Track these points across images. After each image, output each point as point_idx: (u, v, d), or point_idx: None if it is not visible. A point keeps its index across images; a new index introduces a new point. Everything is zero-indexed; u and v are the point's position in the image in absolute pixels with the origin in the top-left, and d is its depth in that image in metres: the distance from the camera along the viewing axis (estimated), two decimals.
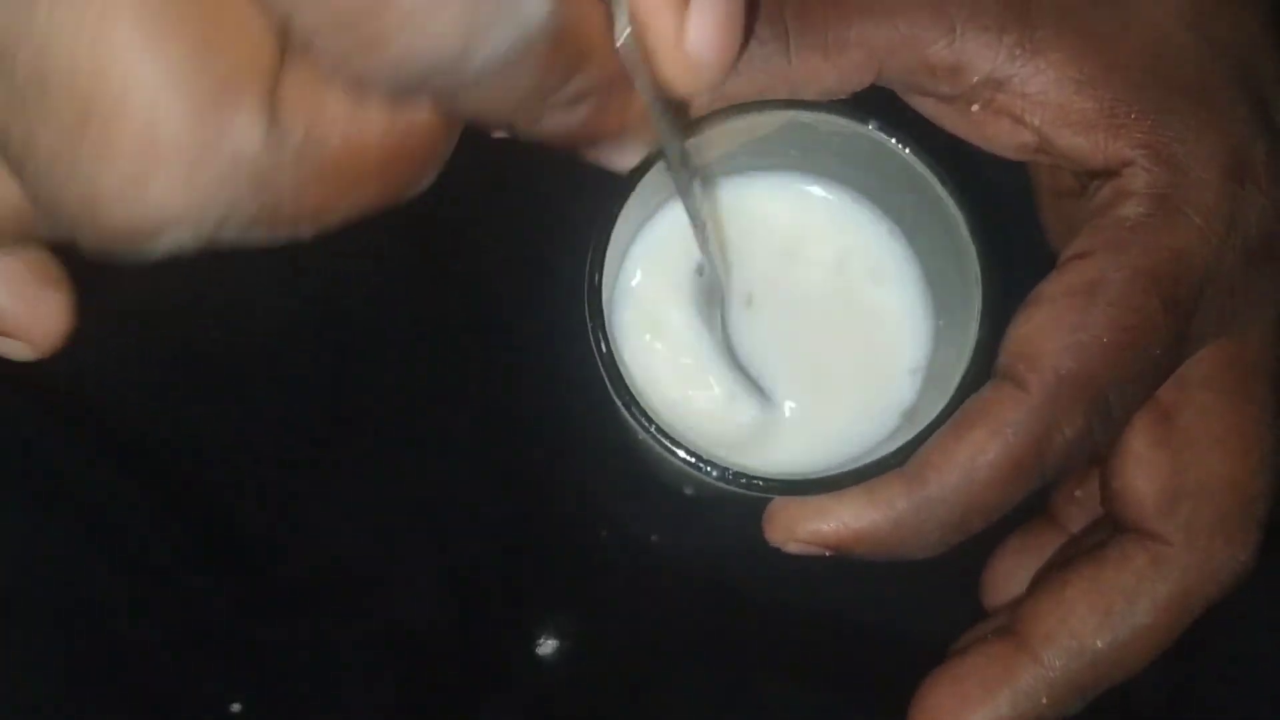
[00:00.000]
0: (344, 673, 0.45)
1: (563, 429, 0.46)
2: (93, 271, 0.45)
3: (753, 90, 0.31)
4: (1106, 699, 0.45)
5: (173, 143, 0.17)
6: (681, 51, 0.23)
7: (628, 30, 0.21)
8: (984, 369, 0.30)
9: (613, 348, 0.31)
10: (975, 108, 0.31)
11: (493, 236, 0.44)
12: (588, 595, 0.46)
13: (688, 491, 0.39)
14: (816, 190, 0.34)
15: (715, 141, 0.32)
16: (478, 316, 0.46)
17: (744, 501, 0.31)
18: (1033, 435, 0.29)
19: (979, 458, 0.29)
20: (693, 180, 0.29)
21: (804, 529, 0.31)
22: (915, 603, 0.42)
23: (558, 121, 0.21)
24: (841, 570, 0.42)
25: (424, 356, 0.46)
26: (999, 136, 0.32)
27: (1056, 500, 0.37)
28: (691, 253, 0.33)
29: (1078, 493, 0.36)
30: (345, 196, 0.20)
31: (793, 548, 0.32)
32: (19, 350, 0.26)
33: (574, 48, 0.20)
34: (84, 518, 0.43)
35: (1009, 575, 0.36)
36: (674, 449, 0.30)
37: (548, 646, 0.45)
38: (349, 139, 0.19)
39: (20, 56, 0.17)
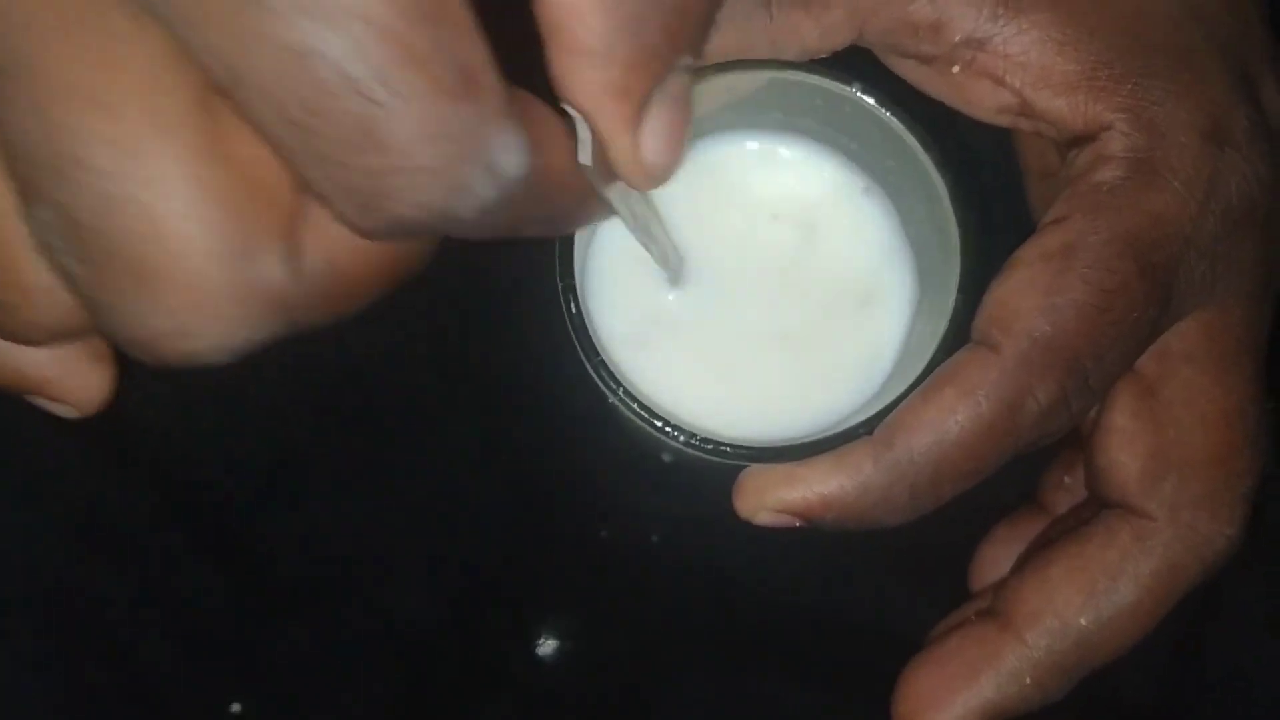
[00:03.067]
0: (344, 673, 0.45)
1: (563, 429, 0.46)
2: None
3: (734, 47, 0.31)
4: (1106, 699, 0.45)
5: (214, 291, 0.20)
6: (638, 161, 0.24)
7: (589, 149, 0.24)
8: (961, 339, 0.30)
9: (583, 309, 0.30)
10: (956, 69, 0.31)
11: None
12: (588, 595, 0.46)
13: (665, 458, 0.38)
14: (797, 154, 0.34)
15: (696, 101, 0.30)
16: (478, 316, 0.46)
17: (720, 472, 0.31)
18: (1005, 398, 0.29)
19: (949, 419, 0.29)
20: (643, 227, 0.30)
21: (772, 497, 0.30)
22: (916, 603, 0.42)
23: (533, 230, 0.24)
24: (842, 570, 0.42)
25: (424, 356, 0.46)
26: (980, 98, 0.32)
27: (1045, 487, 0.37)
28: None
29: (1066, 479, 0.36)
30: (353, 302, 0.23)
31: (763, 518, 0.31)
32: (64, 411, 0.28)
33: (548, 185, 0.22)
34: (84, 517, 0.43)
35: (996, 561, 0.35)
36: (641, 413, 0.29)
37: (548, 646, 0.45)
38: (356, 260, 0.22)
39: (82, 221, 0.20)
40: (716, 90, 0.31)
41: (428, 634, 0.45)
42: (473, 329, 0.46)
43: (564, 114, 0.23)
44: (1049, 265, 0.29)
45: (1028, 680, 0.31)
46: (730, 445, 0.29)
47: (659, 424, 0.29)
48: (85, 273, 0.21)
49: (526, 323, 0.44)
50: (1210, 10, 0.31)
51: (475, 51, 0.20)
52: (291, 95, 0.19)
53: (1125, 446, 0.31)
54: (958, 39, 0.30)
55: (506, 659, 0.45)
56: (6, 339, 0.23)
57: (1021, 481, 0.38)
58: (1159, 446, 0.31)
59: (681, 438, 0.29)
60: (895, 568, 0.41)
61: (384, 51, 0.18)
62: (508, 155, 0.20)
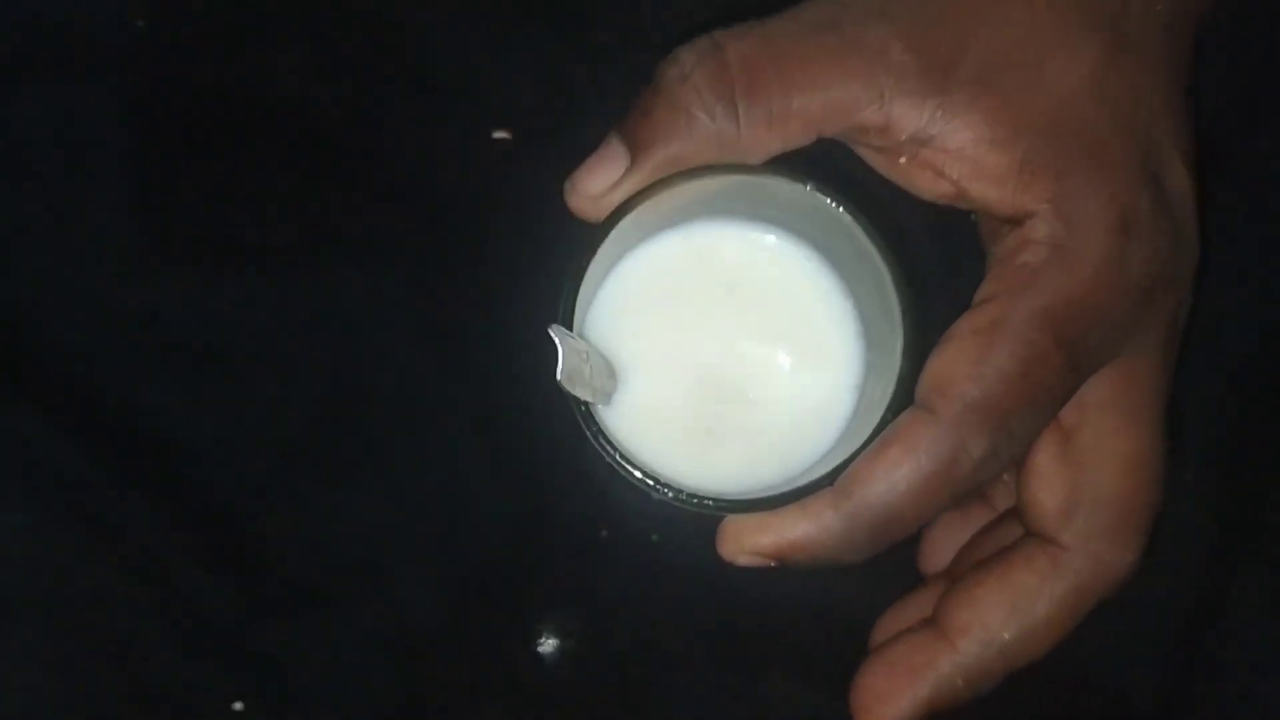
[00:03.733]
0: (345, 672, 0.45)
1: (563, 429, 0.46)
2: (93, 272, 0.46)
3: (706, 156, 0.35)
4: (1106, 699, 0.45)
5: None
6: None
7: (564, 365, 0.32)
8: (907, 398, 0.35)
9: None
10: (903, 160, 0.36)
11: (493, 237, 0.44)
12: (588, 595, 0.46)
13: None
14: (762, 236, 0.39)
15: (670, 198, 0.36)
16: (478, 316, 0.46)
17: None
18: (942, 455, 0.34)
19: (895, 473, 0.34)
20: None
21: (749, 543, 0.36)
22: None
23: None
24: (841, 571, 0.42)
25: (424, 356, 0.46)
26: (924, 185, 0.36)
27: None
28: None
29: (1006, 477, 0.40)
30: None
31: (742, 560, 0.36)
32: None
33: None
34: (85, 516, 0.43)
35: (941, 543, 0.41)
36: (636, 474, 0.35)
37: (548, 646, 0.45)
38: None
39: None
40: (690, 190, 0.36)
41: (428, 633, 0.45)
42: (473, 329, 0.46)
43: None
44: (979, 339, 0.34)
45: (960, 682, 0.36)
46: (713, 499, 0.35)
47: (652, 483, 0.35)
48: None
49: (527, 323, 0.44)
50: (1122, 106, 0.36)
51: None
52: None
53: (1044, 486, 0.37)
54: (904, 137, 0.35)
55: (507, 658, 0.45)
56: None
57: None
58: (1072, 486, 0.36)
59: (671, 494, 0.35)
60: (894, 568, 0.41)
61: None
62: None
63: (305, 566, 0.45)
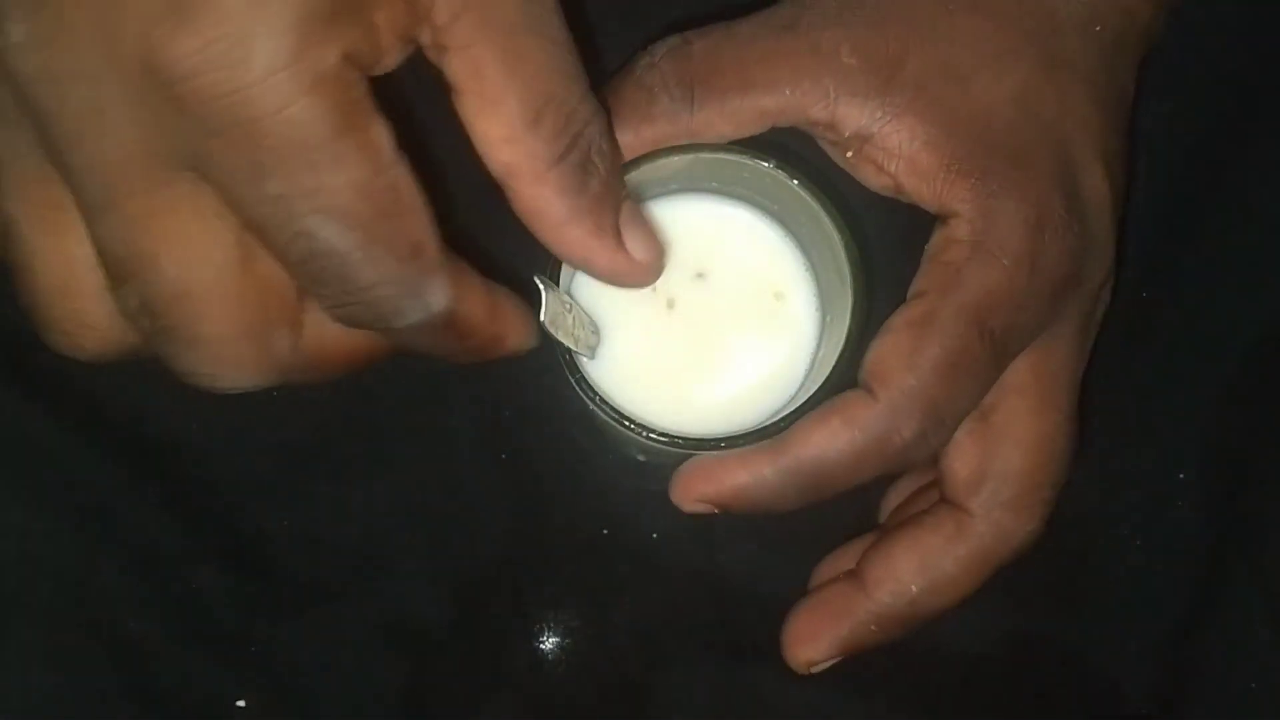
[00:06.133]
0: (347, 669, 0.45)
1: (563, 428, 0.46)
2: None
3: (664, 132, 0.39)
4: (1106, 699, 0.45)
5: (240, 356, 0.33)
6: (636, 267, 0.36)
7: (546, 310, 0.36)
8: (853, 356, 0.38)
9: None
10: (849, 154, 0.39)
11: (493, 238, 0.44)
12: (588, 594, 0.46)
13: (640, 458, 0.46)
14: (731, 209, 0.42)
15: (647, 173, 0.39)
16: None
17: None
18: (876, 433, 0.38)
19: (832, 442, 0.38)
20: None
21: (696, 491, 0.39)
22: None
23: (460, 358, 0.35)
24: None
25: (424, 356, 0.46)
26: (869, 178, 0.40)
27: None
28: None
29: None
30: (334, 370, 0.35)
31: (690, 507, 0.40)
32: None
33: (460, 324, 0.34)
34: (88, 515, 0.44)
35: (898, 496, 0.45)
36: (614, 415, 0.38)
37: (548, 644, 0.46)
38: (337, 343, 0.34)
39: (155, 305, 0.32)
40: (655, 169, 0.39)
41: (430, 631, 0.45)
42: None
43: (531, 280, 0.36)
44: (911, 332, 0.38)
45: (873, 627, 0.40)
46: (671, 436, 0.38)
47: (627, 423, 0.38)
48: (154, 334, 0.32)
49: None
50: (1047, 114, 0.39)
51: (422, 230, 0.32)
52: (297, 250, 0.30)
53: (959, 457, 0.40)
54: (848, 134, 0.39)
55: (508, 656, 0.45)
56: (65, 353, 0.34)
57: None
58: (982, 459, 0.40)
59: (644, 433, 0.38)
60: None
61: (356, 237, 0.30)
62: (434, 296, 0.32)
63: (308, 565, 0.45)
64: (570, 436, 0.47)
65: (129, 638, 0.43)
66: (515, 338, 0.36)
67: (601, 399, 0.38)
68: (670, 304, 0.41)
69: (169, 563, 0.44)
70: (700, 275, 0.42)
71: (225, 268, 0.31)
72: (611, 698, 0.46)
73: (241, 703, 0.44)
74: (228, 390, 0.33)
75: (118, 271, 0.32)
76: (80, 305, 0.33)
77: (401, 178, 0.31)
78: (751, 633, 0.45)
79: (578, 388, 0.38)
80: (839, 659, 0.41)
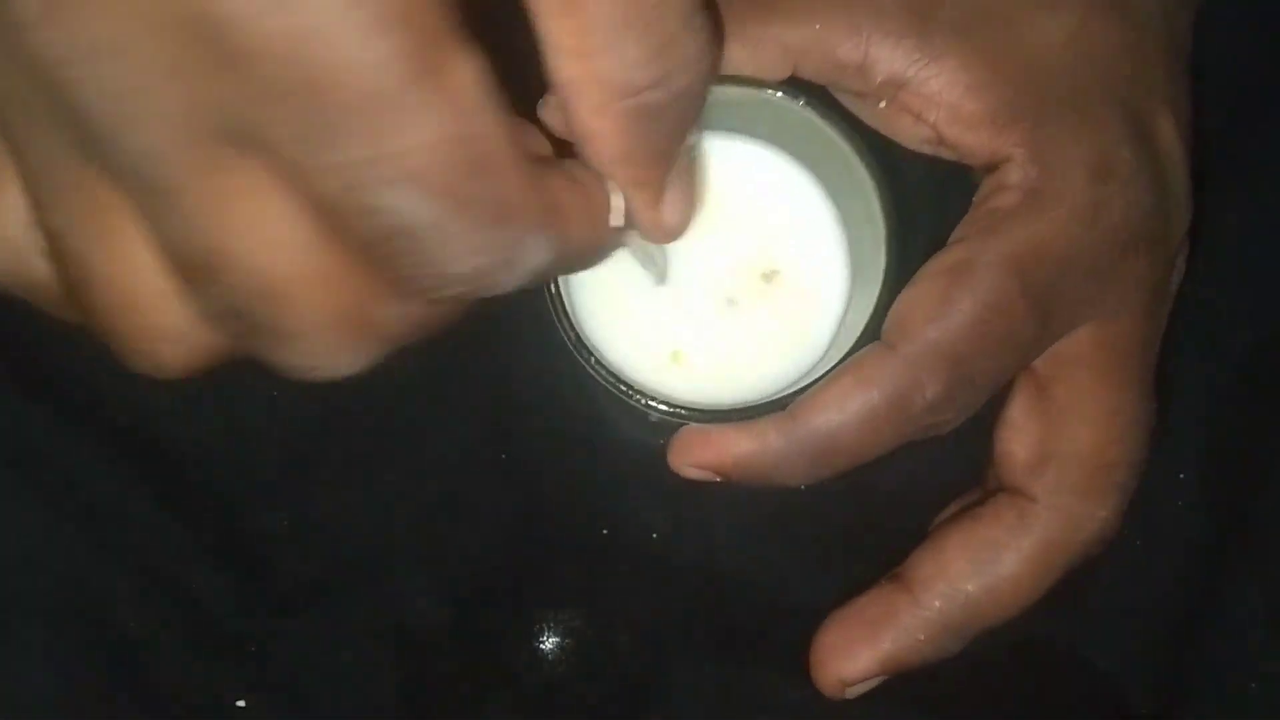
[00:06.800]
0: (347, 669, 0.45)
1: (562, 428, 0.46)
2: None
3: None
4: (1106, 699, 0.45)
5: (341, 345, 0.28)
6: (662, 227, 0.31)
7: (620, 214, 0.30)
8: (881, 328, 0.34)
9: (562, 290, 0.35)
10: (882, 104, 0.35)
11: None
12: (588, 594, 0.46)
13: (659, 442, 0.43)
14: (759, 151, 0.38)
15: None
16: (478, 315, 0.46)
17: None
18: (895, 391, 0.33)
19: (845, 402, 0.33)
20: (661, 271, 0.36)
21: (695, 456, 0.35)
22: None
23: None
24: (842, 570, 0.42)
25: (423, 355, 0.46)
26: (903, 130, 0.36)
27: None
28: None
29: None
30: (444, 325, 0.29)
31: (688, 472, 0.36)
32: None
33: (568, 253, 0.28)
34: (88, 515, 0.44)
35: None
36: (610, 379, 0.34)
37: (549, 644, 0.46)
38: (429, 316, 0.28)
39: (238, 304, 0.26)
40: None
41: (430, 631, 0.45)
42: (473, 329, 0.46)
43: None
44: (944, 279, 0.34)
45: (921, 637, 0.35)
46: (685, 408, 0.34)
47: (624, 389, 0.34)
48: (244, 335, 0.28)
49: (527, 323, 0.44)
50: (1105, 56, 0.35)
51: (512, 185, 0.25)
52: (377, 232, 0.24)
53: (1016, 438, 0.36)
54: (880, 79, 0.35)
55: (508, 657, 0.45)
56: (149, 372, 0.30)
57: None
58: (1044, 439, 0.35)
59: (642, 400, 0.34)
60: (893, 568, 0.41)
61: (438, 205, 0.24)
62: (536, 254, 0.26)
63: (308, 564, 0.45)
64: (571, 436, 0.47)
65: (129, 638, 0.43)
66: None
67: (597, 362, 0.34)
68: (687, 251, 0.37)
69: (169, 562, 0.44)
70: (718, 223, 0.37)
71: (309, 250, 0.26)
72: (611, 698, 0.45)
73: (241, 703, 0.44)
74: (335, 378, 0.29)
75: (191, 273, 0.26)
76: (154, 317, 0.28)
77: (491, 121, 0.24)
78: (753, 633, 0.45)
79: (576, 352, 0.35)
80: (880, 679, 0.36)
